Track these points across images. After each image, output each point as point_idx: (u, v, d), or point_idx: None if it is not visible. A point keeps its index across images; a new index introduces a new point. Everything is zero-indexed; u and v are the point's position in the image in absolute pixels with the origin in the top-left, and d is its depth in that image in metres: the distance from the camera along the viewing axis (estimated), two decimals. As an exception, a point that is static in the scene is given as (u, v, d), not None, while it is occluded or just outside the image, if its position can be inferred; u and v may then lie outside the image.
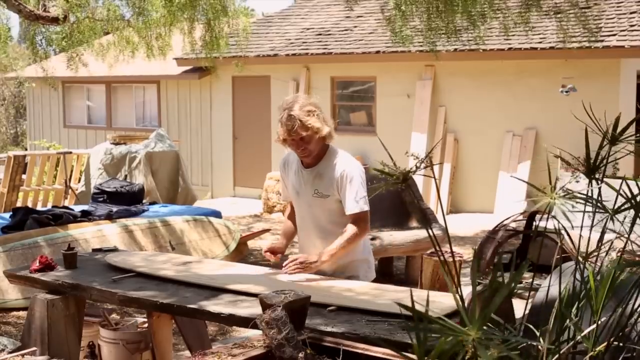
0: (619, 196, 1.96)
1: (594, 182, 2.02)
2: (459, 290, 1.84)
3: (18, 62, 12.75)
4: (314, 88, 14.30)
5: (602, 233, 1.99)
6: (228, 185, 15.59)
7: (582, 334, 1.88)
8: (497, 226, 7.35)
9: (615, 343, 1.91)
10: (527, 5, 9.32)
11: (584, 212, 2.04)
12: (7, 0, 9.38)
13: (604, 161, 2.01)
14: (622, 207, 1.92)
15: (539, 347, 1.88)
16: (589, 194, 1.99)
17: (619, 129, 2.06)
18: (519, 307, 2.67)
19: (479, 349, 1.50)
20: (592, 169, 2.01)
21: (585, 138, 2.03)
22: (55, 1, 9.76)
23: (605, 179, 2.02)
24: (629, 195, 1.94)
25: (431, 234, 2.00)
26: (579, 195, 1.98)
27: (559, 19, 9.52)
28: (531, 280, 3.04)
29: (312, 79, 14.37)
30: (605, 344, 1.88)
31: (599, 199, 1.98)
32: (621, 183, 2.02)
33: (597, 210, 1.96)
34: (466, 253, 8.77)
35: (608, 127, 2.06)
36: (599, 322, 1.91)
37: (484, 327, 1.60)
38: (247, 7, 32.69)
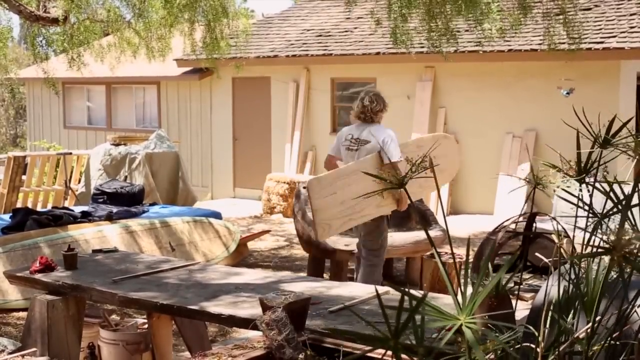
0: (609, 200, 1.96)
1: (584, 186, 2.02)
2: (459, 290, 1.84)
3: (13, 66, 12.72)
4: (314, 89, 14.32)
5: (591, 235, 2.00)
6: (228, 186, 15.59)
7: (575, 335, 1.88)
8: (497, 227, 7.34)
9: (613, 343, 1.91)
10: (525, 8, 9.33)
11: (576, 216, 2.05)
12: (8, 1, 9.39)
13: (595, 165, 2.02)
14: (611, 211, 1.92)
15: (537, 349, 1.89)
16: (580, 198, 2.00)
17: (613, 132, 2.06)
18: (519, 309, 2.67)
19: (467, 333, 1.50)
20: (582, 172, 2.02)
21: (577, 142, 2.04)
22: (56, 2, 9.77)
23: (596, 183, 2.02)
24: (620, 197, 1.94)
25: (429, 235, 2.01)
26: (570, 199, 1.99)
27: (546, 25, 9.54)
28: (531, 281, 3.05)
29: (312, 80, 14.38)
30: (598, 345, 1.89)
31: (590, 202, 1.98)
32: (611, 186, 2.02)
33: (589, 215, 1.97)
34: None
35: (600, 130, 2.06)
36: (595, 322, 1.91)
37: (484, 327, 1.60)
38: (247, 8, 32.67)
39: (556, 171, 2.11)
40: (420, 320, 1.53)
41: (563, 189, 2.06)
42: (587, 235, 2.02)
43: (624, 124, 2.07)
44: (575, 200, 2.01)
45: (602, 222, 1.93)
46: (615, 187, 1.95)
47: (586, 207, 1.97)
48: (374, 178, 2.27)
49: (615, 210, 1.90)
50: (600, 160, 2.02)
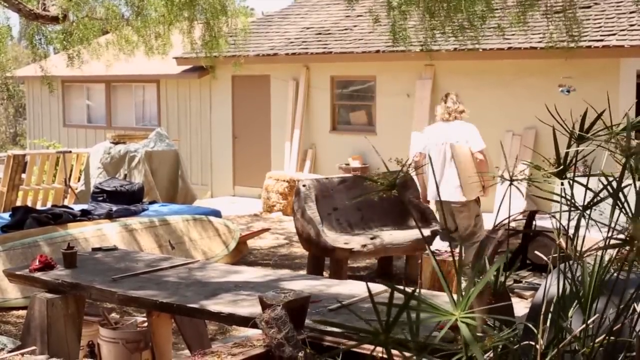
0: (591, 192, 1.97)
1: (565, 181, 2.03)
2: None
3: (12, 65, 12.71)
4: (313, 87, 14.31)
5: (576, 229, 2.00)
6: (228, 184, 15.59)
7: (573, 334, 1.88)
8: (496, 226, 7.33)
9: (609, 341, 1.91)
10: (524, 6, 9.32)
11: (560, 212, 2.05)
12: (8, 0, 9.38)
13: (574, 160, 2.03)
14: (592, 203, 1.93)
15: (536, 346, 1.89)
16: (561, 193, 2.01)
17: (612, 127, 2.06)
18: (519, 307, 2.67)
19: (462, 328, 1.50)
20: (562, 169, 2.02)
21: (554, 139, 2.04)
22: (55, 0, 9.76)
23: (576, 178, 2.03)
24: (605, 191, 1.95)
25: (423, 234, 2.01)
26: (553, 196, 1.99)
27: (549, 21, 9.53)
28: (530, 279, 3.04)
29: (312, 79, 14.37)
30: (595, 342, 1.88)
31: (572, 196, 1.99)
32: (588, 180, 2.02)
33: (571, 208, 1.97)
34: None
35: (574, 124, 2.07)
36: (592, 320, 1.91)
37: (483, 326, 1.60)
38: (247, 6, 32.61)
39: (535, 168, 2.12)
40: (415, 316, 1.53)
41: (536, 186, 2.08)
42: (586, 232, 2.02)
43: (598, 116, 2.08)
44: (555, 196, 2.02)
45: (584, 215, 1.93)
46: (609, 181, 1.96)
47: (566, 202, 1.97)
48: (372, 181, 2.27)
49: (594, 202, 1.91)
50: (577, 156, 2.03)
